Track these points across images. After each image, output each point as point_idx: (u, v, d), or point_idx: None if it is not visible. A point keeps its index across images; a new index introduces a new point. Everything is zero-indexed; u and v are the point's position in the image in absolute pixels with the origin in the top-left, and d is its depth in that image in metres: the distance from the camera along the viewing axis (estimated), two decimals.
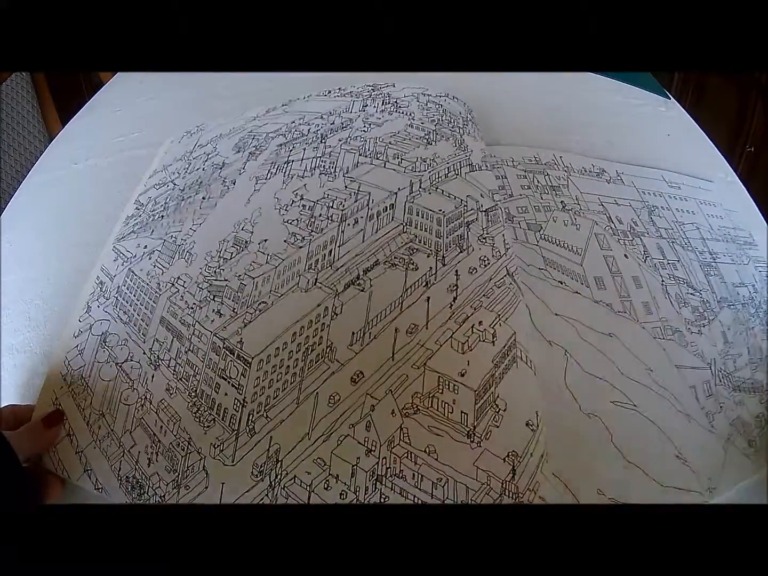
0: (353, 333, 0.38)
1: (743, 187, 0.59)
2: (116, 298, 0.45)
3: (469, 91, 0.58)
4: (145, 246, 0.48)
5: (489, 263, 0.41)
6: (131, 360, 0.41)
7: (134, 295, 0.44)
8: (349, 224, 0.44)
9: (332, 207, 0.45)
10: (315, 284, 0.41)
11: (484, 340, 0.38)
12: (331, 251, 0.42)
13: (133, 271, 0.46)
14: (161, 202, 0.52)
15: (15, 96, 1.02)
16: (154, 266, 0.46)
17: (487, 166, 0.48)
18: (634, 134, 0.62)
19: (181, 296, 0.43)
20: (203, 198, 0.50)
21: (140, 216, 0.51)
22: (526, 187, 0.50)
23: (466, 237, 0.42)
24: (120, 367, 0.41)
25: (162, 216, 0.50)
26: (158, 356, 0.41)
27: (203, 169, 0.53)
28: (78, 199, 0.60)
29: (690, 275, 0.48)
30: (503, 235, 0.43)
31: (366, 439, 0.35)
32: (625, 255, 0.47)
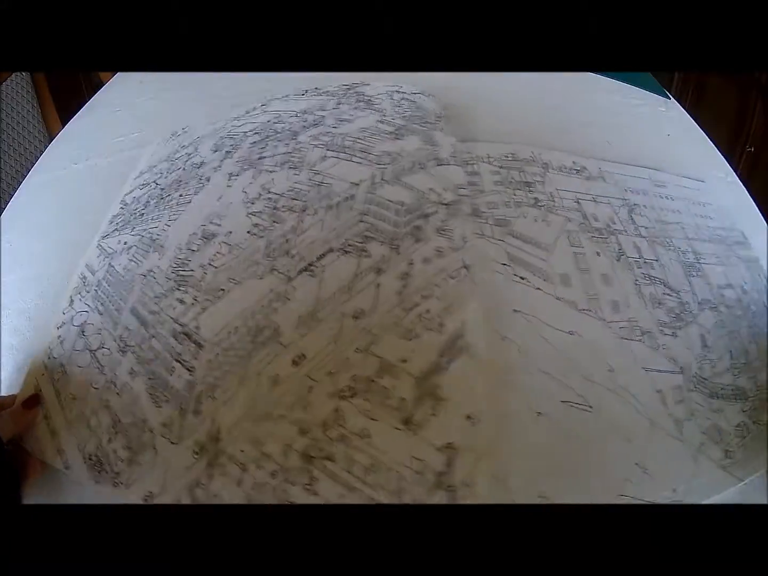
0: (300, 317, 0.41)
1: (743, 187, 0.59)
2: (96, 290, 0.49)
3: (468, 90, 0.60)
4: (125, 242, 0.52)
5: (444, 255, 0.43)
6: (103, 347, 0.45)
7: (111, 288, 0.48)
8: (308, 214, 0.46)
9: (295, 199, 0.48)
10: (270, 271, 0.43)
11: (430, 329, 0.39)
12: (288, 240, 0.45)
13: (112, 266, 0.50)
14: (143, 200, 0.56)
15: (15, 96, 1.07)
16: (131, 260, 0.49)
17: (455, 161, 0.50)
18: (634, 134, 0.62)
19: (151, 287, 0.46)
20: (180, 195, 0.53)
21: (123, 215, 0.55)
22: (498, 183, 0.51)
23: (423, 228, 0.44)
24: (93, 354, 0.45)
25: (142, 214, 0.54)
26: (126, 343, 0.44)
27: (183, 169, 0.57)
28: (78, 199, 0.63)
29: (668, 275, 0.48)
30: (463, 228, 0.45)
31: (301, 420, 0.37)
32: (597, 253, 0.47)
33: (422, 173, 0.49)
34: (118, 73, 0.83)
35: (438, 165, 0.50)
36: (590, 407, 0.40)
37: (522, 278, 0.45)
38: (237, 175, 0.53)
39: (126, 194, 0.58)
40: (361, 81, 0.62)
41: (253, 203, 0.49)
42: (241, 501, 0.36)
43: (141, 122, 0.71)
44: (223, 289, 0.43)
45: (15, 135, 1.07)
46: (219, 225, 0.48)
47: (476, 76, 0.55)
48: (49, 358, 0.46)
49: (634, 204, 0.52)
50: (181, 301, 0.44)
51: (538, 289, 0.44)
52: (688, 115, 0.68)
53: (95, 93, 0.81)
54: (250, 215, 0.48)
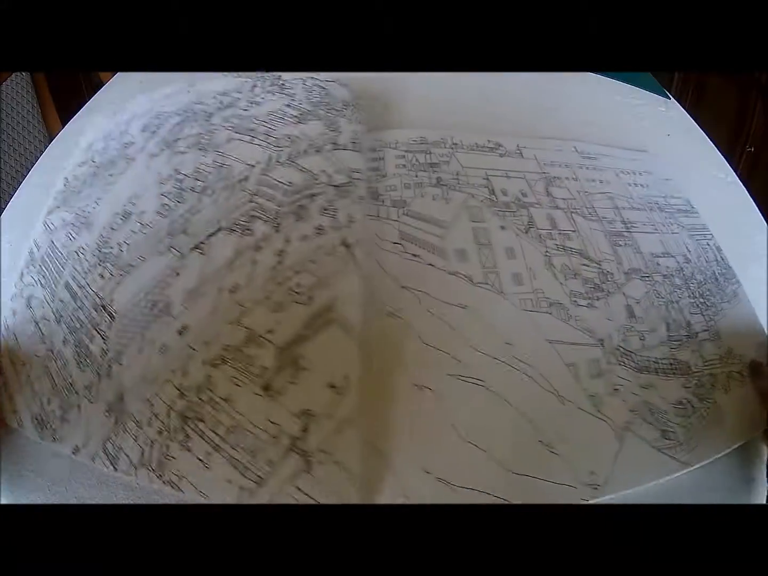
0: (187, 291, 0.46)
1: (743, 187, 0.60)
2: (40, 266, 0.55)
3: (467, 88, 0.63)
4: (64, 219, 0.57)
5: (324, 233, 0.46)
6: (44, 319, 0.51)
7: (51, 263, 0.54)
8: (207, 195, 0.51)
9: (198, 180, 0.52)
10: (169, 249, 0.49)
11: (298, 302, 0.43)
12: (186, 219, 0.50)
13: (53, 242, 0.56)
14: (81, 179, 0.61)
15: (15, 96, 1.11)
16: (67, 237, 0.55)
17: (355, 147, 0.53)
18: (635, 134, 0.63)
19: (81, 263, 0.52)
20: (110, 175, 0.58)
21: (65, 191, 0.61)
22: (401, 166, 0.53)
23: (306, 207, 0.48)
24: (37, 324, 0.51)
25: (80, 191, 0.59)
26: (60, 314, 0.50)
27: (116, 149, 0.62)
28: None
29: (588, 245, 0.48)
30: (352, 209, 0.48)
31: (181, 385, 0.42)
32: (502, 227, 0.49)
33: (317, 156, 0.52)
34: (118, 73, 0.85)
35: (335, 149, 0.52)
36: (481, 380, 0.41)
37: (414, 255, 0.47)
38: (156, 156, 0.57)
39: (69, 171, 0.63)
40: None
41: (164, 184, 0.54)
42: (137, 455, 0.41)
43: None
44: (132, 265, 0.49)
45: (15, 135, 1.12)
46: (135, 205, 0.54)
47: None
48: (4, 328, 0.52)
49: (553, 177, 0.53)
50: (102, 276, 0.50)
51: (430, 265, 0.46)
52: (688, 115, 0.69)
53: (95, 93, 0.82)
54: (160, 195, 0.53)
